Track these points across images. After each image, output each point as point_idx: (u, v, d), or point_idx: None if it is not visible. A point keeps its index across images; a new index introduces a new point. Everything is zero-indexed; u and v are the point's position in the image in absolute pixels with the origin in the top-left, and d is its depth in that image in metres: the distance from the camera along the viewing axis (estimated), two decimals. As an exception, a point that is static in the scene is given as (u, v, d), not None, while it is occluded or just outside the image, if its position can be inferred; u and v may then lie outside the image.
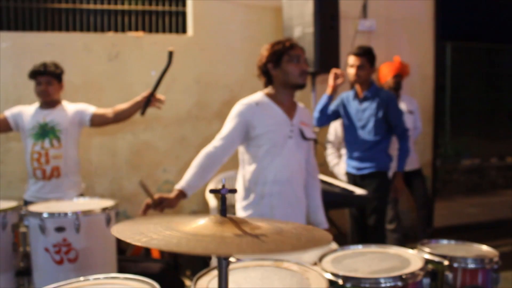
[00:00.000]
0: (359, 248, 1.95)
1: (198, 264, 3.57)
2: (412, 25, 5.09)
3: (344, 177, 3.73)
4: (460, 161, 8.14)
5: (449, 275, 1.89)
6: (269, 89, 2.44)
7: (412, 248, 1.98)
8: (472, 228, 5.61)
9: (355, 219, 3.61)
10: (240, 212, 2.41)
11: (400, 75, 4.24)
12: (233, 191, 1.19)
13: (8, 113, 3.16)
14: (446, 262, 1.90)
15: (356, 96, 3.51)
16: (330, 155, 4.07)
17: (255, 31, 4.49)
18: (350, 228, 3.69)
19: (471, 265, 1.91)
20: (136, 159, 4.29)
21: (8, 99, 3.89)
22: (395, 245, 2.05)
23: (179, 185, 2.20)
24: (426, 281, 1.75)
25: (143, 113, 3.08)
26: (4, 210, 2.61)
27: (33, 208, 2.57)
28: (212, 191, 1.19)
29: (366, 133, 3.44)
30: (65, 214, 2.43)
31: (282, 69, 2.35)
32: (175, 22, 4.51)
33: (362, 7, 4.83)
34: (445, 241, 2.17)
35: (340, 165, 3.94)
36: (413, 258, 1.80)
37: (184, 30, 4.50)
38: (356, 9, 4.81)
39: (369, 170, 3.45)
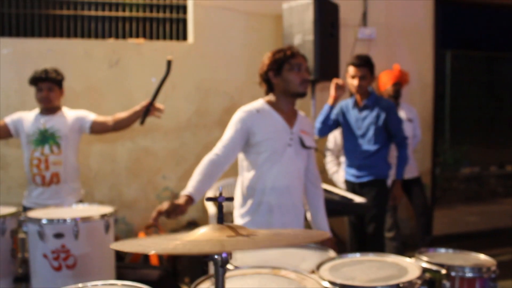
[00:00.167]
0: (357, 256, 1.95)
1: (196, 271, 3.56)
2: (412, 33, 5.11)
3: (343, 185, 3.73)
4: (459, 169, 8.12)
5: (447, 284, 1.88)
6: (270, 97, 2.44)
7: (411, 256, 1.98)
8: (472, 237, 5.61)
9: (354, 227, 3.61)
10: (238, 219, 2.41)
11: (399, 83, 4.26)
12: (230, 199, 1.20)
13: (9, 119, 3.16)
14: (443, 271, 1.89)
15: (355, 104, 3.52)
16: (329, 163, 4.08)
17: (255, 39, 4.50)
18: (349, 236, 3.69)
19: (469, 274, 1.91)
20: (135, 166, 4.30)
21: (9, 105, 3.90)
22: (394, 253, 2.05)
23: (187, 191, 2.12)
24: (424, 289, 1.75)
25: (142, 122, 3.09)
26: (3, 216, 2.61)
27: (32, 214, 2.58)
28: (208, 199, 1.19)
29: (366, 142, 3.45)
30: (64, 220, 2.44)
31: (282, 77, 2.35)
32: (176, 29, 4.53)
33: (362, 15, 4.86)
34: (443, 250, 2.17)
35: (339, 173, 3.94)
36: (410, 267, 1.80)
37: (184, 37, 4.52)
38: (356, 17, 4.83)
39: (368, 178, 3.45)
